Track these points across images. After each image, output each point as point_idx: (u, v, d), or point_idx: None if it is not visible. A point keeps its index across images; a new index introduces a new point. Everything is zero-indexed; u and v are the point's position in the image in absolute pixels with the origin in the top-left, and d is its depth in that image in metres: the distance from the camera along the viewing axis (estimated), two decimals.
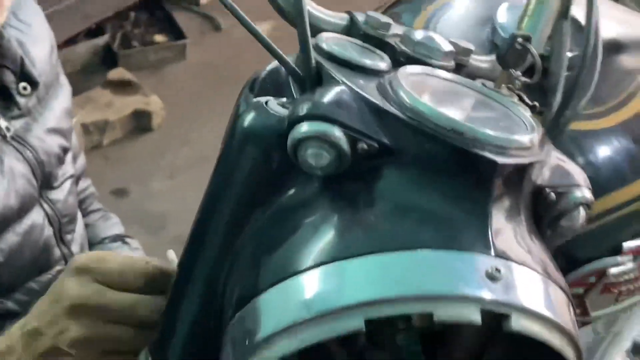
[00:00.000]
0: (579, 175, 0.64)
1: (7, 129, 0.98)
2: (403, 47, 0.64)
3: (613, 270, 0.91)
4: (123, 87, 2.72)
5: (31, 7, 1.08)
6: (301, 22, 0.59)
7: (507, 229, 0.56)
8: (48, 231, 1.04)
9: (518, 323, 0.51)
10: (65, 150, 1.11)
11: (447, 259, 0.53)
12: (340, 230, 0.56)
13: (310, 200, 0.59)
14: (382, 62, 0.62)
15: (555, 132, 0.63)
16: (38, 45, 1.06)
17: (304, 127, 0.55)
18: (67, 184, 1.11)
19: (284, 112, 0.58)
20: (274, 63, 0.68)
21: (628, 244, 0.92)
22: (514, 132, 0.57)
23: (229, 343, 0.58)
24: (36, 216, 1.01)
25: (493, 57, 0.68)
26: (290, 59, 0.62)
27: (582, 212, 0.62)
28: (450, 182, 0.56)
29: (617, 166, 0.89)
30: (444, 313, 0.50)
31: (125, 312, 0.71)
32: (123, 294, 0.72)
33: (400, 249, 0.52)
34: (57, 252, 1.06)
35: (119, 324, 0.72)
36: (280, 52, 0.61)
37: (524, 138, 0.56)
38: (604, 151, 0.88)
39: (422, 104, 0.55)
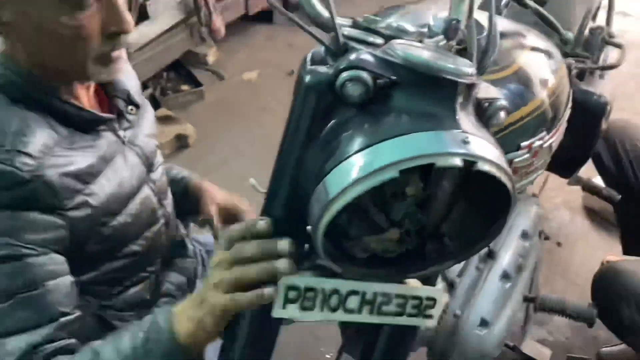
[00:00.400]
0: (498, 93, 0.71)
1: (124, 137, 1.01)
2: (387, 32, 0.68)
3: (516, 160, 1.00)
4: (166, 120, 2.77)
5: None
6: (332, 16, 0.64)
7: (466, 119, 0.63)
8: (153, 199, 1.06)
9: (483, 166, 0.58)
10: (157, 147, 1.15)
11: (438, 135, 0.59)
12: (369, 130, 0.61)
13: (349, 120, 0.63)
14: (379, 40, 0.66)
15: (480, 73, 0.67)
16: (131, 80, 1.08)
17: (345, 73, 0.60)
18: (160, 169, 1.13)
19: (327, 71, 0.62)
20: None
21: (523, 143, 1.01)
22: (463, 67, 0.63)
23: (314, 204, 0.62)
24: (146, 191, 1.03)
25: (437, 38, 0.69)
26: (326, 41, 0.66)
27: (502, 115, 0.69)
28: (432, 95, 0.62)
29: (510, 98, 0.96)
30: (442, 163, 0.56)
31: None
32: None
33: (410, 132, 0.58)
34: (159, 212, 1.08)
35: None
36: (321, 39, 0.65)
37: (469, 70, 0.63)
38: (502, 90, 0.95)
39: (409, 53, 0.62)
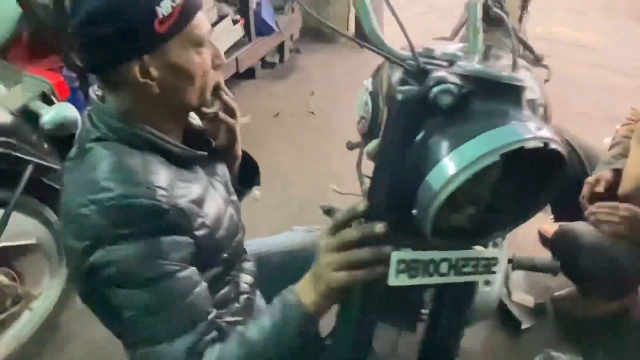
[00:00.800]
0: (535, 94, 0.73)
1: (209, 168, 0.99)
2: (445, 57, 0.68)
3: None
4: None
5: None
6: (412, 48, 0.65)
7: (530, 115, 0.65)
8: (235, 216, 1.02)
9: (552, 145, 0.60)
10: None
11: (522, 125, 0.61)
12: (464, 128, 0.62)
13: (440, 125, 0.63)
14: (444, 62, 0.68)
15: None
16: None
17: (437, 87, 0.62)
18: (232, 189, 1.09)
19: (415, 88, 0.63)
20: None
21: None
22: (517, 76, 0.65)
23: (425, 192, 0.62)
24: (230, 210, 1.00)
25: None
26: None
27: (541, 110, 0.71)
28: (501, 98, 0.64)
29: None
30: (531, 145, 0.58)
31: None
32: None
33: (499, 126, 0.60)
34: (240, 225, 1.05)
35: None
36: (401, 63, 0.67)
37: (521, 77, 0.65)
38: None
39: (480, 69, 0.64)
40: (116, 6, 0.75)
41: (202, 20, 0.82)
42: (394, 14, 0.67)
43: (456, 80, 0.62)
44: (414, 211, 0.65)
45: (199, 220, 0.84)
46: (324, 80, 3.59)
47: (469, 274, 0.73)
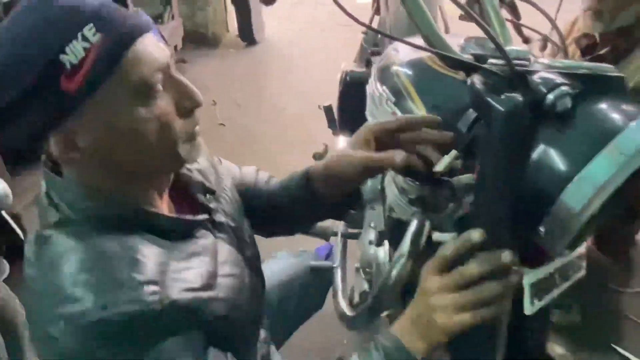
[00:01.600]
0: None
1: (215, 229, 0.78)
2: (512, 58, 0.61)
3: None
4: None
5: None
6: (497, 44, 0.58)
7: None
8: (254, 278, 0.84)
9: None
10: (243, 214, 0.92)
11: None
12: (593, 132, 0.56)
13: (555, 135, 0.58)
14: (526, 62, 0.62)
15: None
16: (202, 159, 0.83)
17: (552, 94, 0.56)
18: (250, 239, 0.90)
19: (517, 96, 0.57)
20: None
21: None
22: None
23: (555, 217, 0.57)
24: (247, 273, 0.80)
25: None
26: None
27: None
28: (608, 94, 0.59)
29: None
30: None
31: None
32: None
33: (619, 128, 0.55)
34: (259, 284, 0.88)
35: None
36: (496, 71, 0.59)
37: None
38: None
39: (579, 64, 0.59)
40: (2, 70, 0.54)
41: (145, 53, 0.57)
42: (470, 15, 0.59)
43: (565, 80, 0.57)
44: (541, 230, 0.58)
45: (210, 306, 0.65)
46: (222, 88, 3.40)
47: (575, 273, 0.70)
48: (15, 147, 0.61)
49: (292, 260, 1.33)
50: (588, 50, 1.42)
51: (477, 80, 0.62)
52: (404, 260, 0.99)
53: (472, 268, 0.60)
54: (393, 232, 1.15)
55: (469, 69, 0.65)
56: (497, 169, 0.59)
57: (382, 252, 1.10)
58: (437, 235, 0.78)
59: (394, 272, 0.99)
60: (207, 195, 0.79)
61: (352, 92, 1.52)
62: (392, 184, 1.08)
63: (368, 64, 1.52)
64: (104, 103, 0.56)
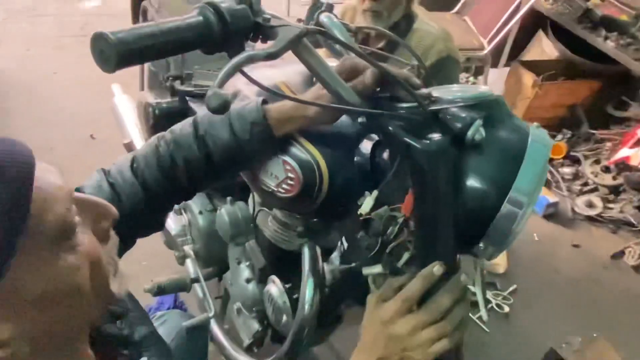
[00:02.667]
0: None
1: None
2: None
3: None
4: None
5: None
6: (416, 98, 0.62)
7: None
8: None
9: None
10: None
11: (538, 132, 0.66)
12: (502, 159, 0.63)
13: (477, 161, 0.63)
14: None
15: None
16: None
17: (472, 129, 0.62)
18: None
19: (439, 136, 0.62)
20: None
21: None
22: None
23: (492, 234, 0.63)
24: None
25: None
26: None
27: None
28: (497, 113, 0.67)
29: None
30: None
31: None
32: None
33: (522, 144, 0.63)
34: None
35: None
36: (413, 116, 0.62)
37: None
38: None
39: (473, 95, 0.66)
40: None
41: (49, 186, 0.44)
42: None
43: (473, 113, 0.63)
44: (481, 246, 0.65)
45: None
46: None
47: None
48: None
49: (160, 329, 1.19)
50: (364, 42, 1.60)
51: (392, 125, 0.64)
52: (311, 288, 0.99)
53: (445, 299, 0.63)
54: (277, 265, 1.13)
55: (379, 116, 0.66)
56: (436, 201, 0.63)
57: (274, 287, 1.07)
58: (366, 270, 0.80)
59: (307, 304, 0.99)
60: (117, 322, 0.65)
61: (166, 125, 1.39)
62: (271, 221, 1.05)
63: (174, 92, 1.40)
64: (23, 266, 0.42)
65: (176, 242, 1.42)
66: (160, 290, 1.33)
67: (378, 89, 0.68)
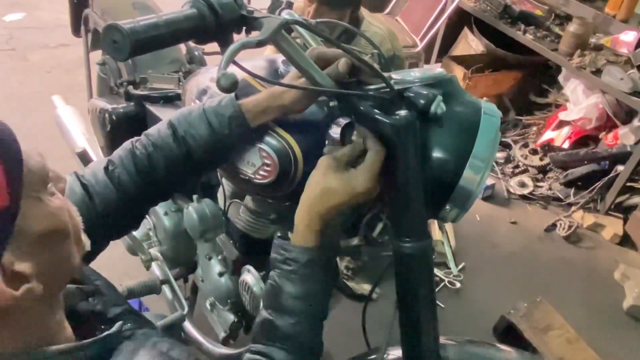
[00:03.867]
0: None
1: None
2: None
3: None
4: None
5: None
6: (377, 72, 0.69)
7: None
8: None
9: None
10: None
11: (489, 105, 0.75)
12: (461, 130, 0.72)
13: (436, 129, 0.71)
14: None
15: None
16: None
17: (434, 103, 0.69)
18: None
19: (407, 112, 0.69)
20: None
21: None
22: None
23: (457, 203, 0.72)
24: None
25: None
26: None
27: None
28: (449, 91, 0.76)
29: None
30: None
31: None
32: None
33: (476, 117, 0.73)
34: None
35: None
36: (378, 94, 0.69)
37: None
38: None
39: (432, 74, 0.74)
40: None
41: (27, 150, 0.52)
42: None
43: (433, 90, 0.71)
44: (447, 208, 0.74)
45: None
46: None
47: None
48: None
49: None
50: None
51: (362, 105, 0.71)
52: None
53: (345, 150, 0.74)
54: (249, 254, 1.17)
55: (346, 95, 0.72)
56: (407, 170, 0.71)
57: (250, 276, 1.10)
58: (344, 243, 0.86)
59: None
60: (90, 299, 0.68)
61: (125, 130, 1.39)
62: (243, 212, 1.09)
63: (129, 96, 1.40)
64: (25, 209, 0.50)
65: (142, 245, 1.42)
66: (130, 294, 1.32)
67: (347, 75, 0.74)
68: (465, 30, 3.19)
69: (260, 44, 0.53)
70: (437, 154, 0.72)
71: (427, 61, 3.09)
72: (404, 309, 0.78)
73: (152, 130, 0.86)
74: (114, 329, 0.61)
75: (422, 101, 0.69)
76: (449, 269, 2.11)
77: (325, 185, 0.72)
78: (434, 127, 0.72)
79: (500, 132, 0.74)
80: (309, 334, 0.73)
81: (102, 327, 0.64)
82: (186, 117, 0.84)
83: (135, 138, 0.86)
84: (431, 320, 0.78)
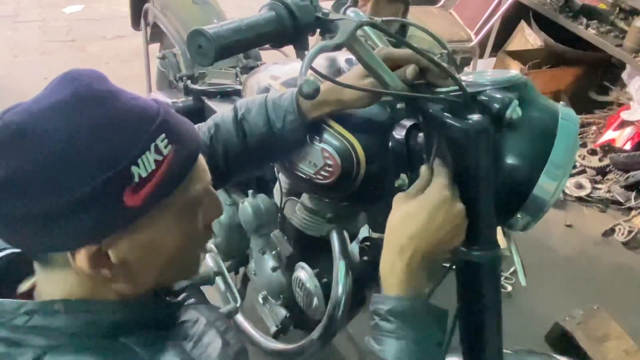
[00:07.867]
0: None
1: None
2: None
3: None
4: None
5: None
6: (451, 75, 0.66)
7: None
8: None
9: None
10: None
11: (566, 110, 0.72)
12: (536, 136, 0.68)
13: (512, 136, 0.68)
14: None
15: None
16: None
17: (510, 108, 0.66)
18: None
19: (480, 117, 0.66)
20: None
21: None
22: None
23: (529, 211, 0.69)
24: None
25: None
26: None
27: None
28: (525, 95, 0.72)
29: None
30: None
31: None
32: None
33: (552, 123, 0.69)
34: None
35: None
36: (452, 99, 0.67)
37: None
38: None
39: (505, 77, 0.71)
40: (54, 171, 0.45)
41: (202, 169, 0.57)
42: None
43: (508, 94, 0.68)
44: (518, 217, 0.71)
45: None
46: None
47: None
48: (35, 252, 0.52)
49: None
50: None
51: (432, 108, 0.69)
52: (343, 271, 1.04)
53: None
54: (304, 252, 1.17)
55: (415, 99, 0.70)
56: (478, 177, 0.68)
57: (304, 273, 1.11)
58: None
59: (340, 286, 1.03)
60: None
61: None
62: (299, 209, 1.09)
63: (188, 91, 1.43)
64: (155, 219, 0.52)
65: None
66: (187, 285, 1.36)
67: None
68: (523, 24, 3.08)
69: (338, 47, 0.53)
70: (510, 160, 0.69)
71: (481, 56, 3.00)
72: (467, 319, 0.76)
73: (217, 114, 0.89)
74: (179, 298, 0.66)
75: (496, 105, 0.66)
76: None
77: (403, 213, 0.67)
78: (508, 133, 0.69)
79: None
80: None
81: (167, 297, 0.67)
82: (249, 102, 0.86)
83: (201, 124, 0.89)
84: (496, 332, 0.76)
